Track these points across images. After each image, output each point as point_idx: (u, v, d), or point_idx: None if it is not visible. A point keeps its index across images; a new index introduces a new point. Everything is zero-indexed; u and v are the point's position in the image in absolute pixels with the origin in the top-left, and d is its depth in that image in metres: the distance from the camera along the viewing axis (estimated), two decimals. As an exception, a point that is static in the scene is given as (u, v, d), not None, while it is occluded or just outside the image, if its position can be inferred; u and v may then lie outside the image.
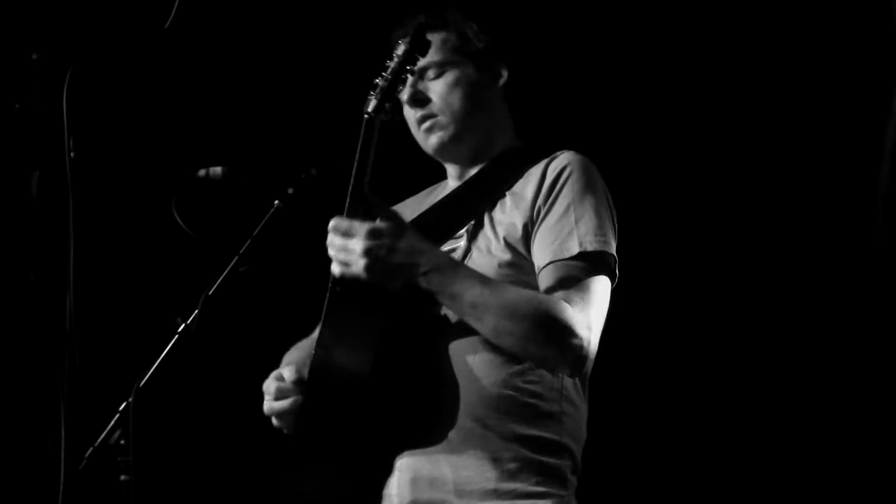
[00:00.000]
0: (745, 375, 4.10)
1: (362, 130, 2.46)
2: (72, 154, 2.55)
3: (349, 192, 2.49)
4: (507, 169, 2.79)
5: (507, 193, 2.74)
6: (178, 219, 2.87)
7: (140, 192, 4.25)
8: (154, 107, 4.37)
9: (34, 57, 2.56)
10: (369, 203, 2.50)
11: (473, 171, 2.86)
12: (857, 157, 3.93)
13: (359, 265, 2.45)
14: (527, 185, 2.72)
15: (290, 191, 2.87)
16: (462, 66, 2.81)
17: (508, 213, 2.71)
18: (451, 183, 2.91)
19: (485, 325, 2.55)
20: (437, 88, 2.79)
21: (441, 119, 2.80)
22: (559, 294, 2.58)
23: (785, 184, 4.09)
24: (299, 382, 2.66)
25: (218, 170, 2.92)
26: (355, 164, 2.46)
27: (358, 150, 2.45)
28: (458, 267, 2.58)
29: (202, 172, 2.92)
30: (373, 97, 2.51)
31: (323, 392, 2.59)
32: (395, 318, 2.59)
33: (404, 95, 2.77)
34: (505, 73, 2.87)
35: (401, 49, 2.57)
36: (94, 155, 2.75)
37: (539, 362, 2.61)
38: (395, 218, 2.53)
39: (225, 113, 4.36)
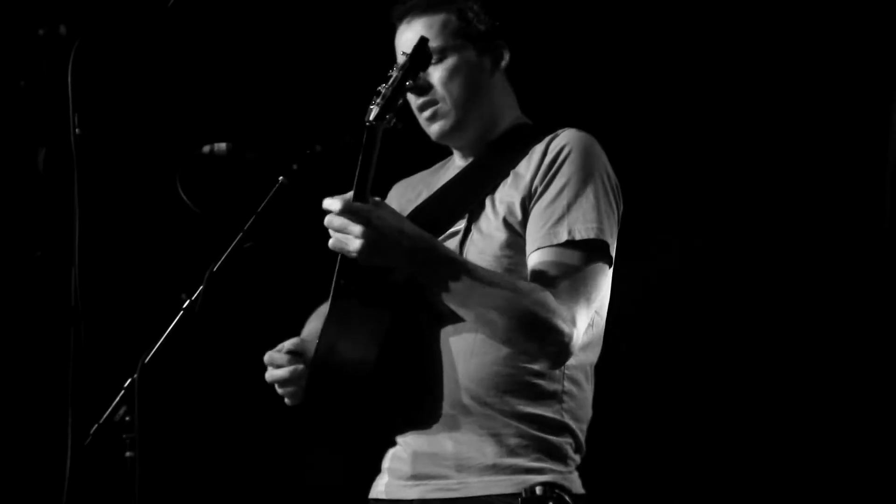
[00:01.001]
0: (754, 363, 4.10)
1: (364, 139, 2.46)
2: (77, 131, 2.55)
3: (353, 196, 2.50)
4: (510, 149, 2.78)
5: (510, 173, 2.73)
6: (183, 195, 2.87)
7: (145, 169, 4.25)
8: (159, 83, 4.36)
9: (39, 33, 2.56)
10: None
11: (478, 152, 2.85)
12: (858, 153, 3.93)
13: (355, 244, 2.46)
14: (529, 164, 2.71)
15: (295, 167, 2.87)
16: (462, 50, 2.79)
17: (508, 193, 2.71)
18: (458, 162, 2.91)
19: (470, 315, 2.57)
20: (437, 75, 2.77)
21: (442, 106, 2.79)
22: (545, 283, 2.57)
23: (787, 177, 4.09)
24: (296, 353, 2.69)
25: (223, 146, 2.91)
26: (357, 173, 2.47)
27: (360, 159, 2.46)
28: (449, 256, 2.58)
29: (207, 148, 2.91)
30: (374, 105, 2.50)
31: (327, 385, 2.61)
32: (399, 308, 2.61)
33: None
34: (507, 55, 2.85)
35: (403, 61, 2.56)
36: (99, 131, 2.75)
37: (521, 353, 2.62)
38: (392, 209, 2.55)
39: (229, 89, 4.35)
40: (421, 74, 2.73)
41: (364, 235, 2.45)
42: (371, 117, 2.48)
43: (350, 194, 2.45)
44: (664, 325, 4.17)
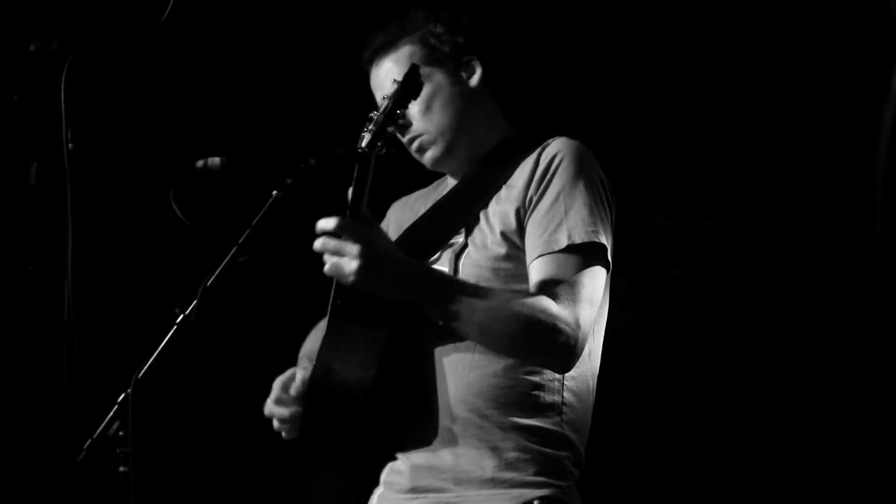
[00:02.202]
0: (755, 372, 4.10)
1: (357, 165, 2.48)
2: (70, 145, 2.55)
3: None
4: (501, 163, 2.78)
5: (503, 186, 2.74)
6: (177, 209, 2.87)
7: (138, 183, 4.25)
8: (152, 98, 4.36)
9: (32, 48, 2.56)
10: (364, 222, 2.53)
11: (471, 168, 2.86)
12: (855, 150, 3.93)
13: (351, 266, 2.47)
14: (521, 176, 2.71)
15: (289, 181, 2.87)
16: (433, 77, 2.80)
17: (503, 205, 2.71)
18: (451, 181, 2.92)
19: (471, 331, 2.58)
20: (415, 108, 2.78)
21: (426, 137, 2.81)
22: (547, 290, 2.58)
23: (784, 175, 4.09)
24: (301, 398, 2.67)
25: (216, 160, 2.91)
26: (350, 198, 2.48)
27: (353, 185, 2.48)
28: (442, 278, 2.60)
29: (200, 163, 2.91)
30: (367, 132, 2.52)
31: (323, 407, 2.62)
32: (397, 325, 2.61)
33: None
34: (478, 68, 2.84)
35: (394, 89, 2.56)
36: (92, 146, 2.74)
37: (529, 362, 2.62)
38: (384, 233, 2.58)
39: (223, 103, 4.35)
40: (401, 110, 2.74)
41: (361, 255, 2.46)
42: (363, 144, 2.50)
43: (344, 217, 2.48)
44: (664, 334, 4.17)
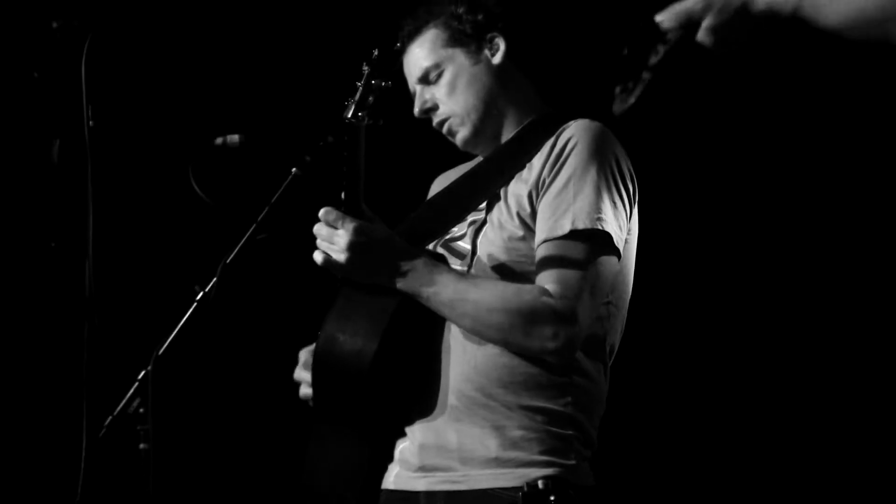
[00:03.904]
0: (765, 359, 4.10)
1: (346, 137, 2.50)
2: (91, 122, 2.56)
3: (342, 201, 2.57)
4: (527, 142, 2.78)
5: (525, 166, 2.73)
6: (196, 187, 2.87)
7: (158, 160, 4.26)
8: (172, 75, 4.36)
9: (54, 26, 2.56)
10: (364, 216, 2.58)
11: (498, 146, 2.86)
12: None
13: (340, 257, 2.53)
14: (540, 157, 2.71)
15: (308, 158, 2.87)
16: (455, 59, 2.81)
17: (520, 186, 2.71)
18: (480, 156, 2.92)
19: (464, 322, 2.59)
20: (440, 92, 2.81)
21: (454, 120, 2.83)
22: (548, 277, 2.57)
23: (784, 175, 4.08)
24: None
25: (235, 137, 2.91)
26: (345, 180, 2.51)
27: (346, 157, 2.50)
28: (434, 268, 2.60)
29: (219, 140, 2.91)
30: (350, 102, 2.56)
31: (326, 376, 2.63)
32: (406, 296, 2.62)
33: (416, 108, 2.84)
34: (502, 44, 2.83)
35: (370, 63, 2.59)
36: (112, 123, 2.75)
37: (521, 353, 2.61)
38: (381, 225, 2.61)
39: (242, 80, 4.35)
40: (427, 94, 2.79)
41: (350, 247, 2.52)
42: (348, 115, 2.52)
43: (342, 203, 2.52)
44: (679, 320, 4.17)
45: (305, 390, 2.74)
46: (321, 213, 2.58)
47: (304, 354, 2.77)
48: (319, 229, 2.58)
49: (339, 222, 2.56)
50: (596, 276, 2.60)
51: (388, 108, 2.60)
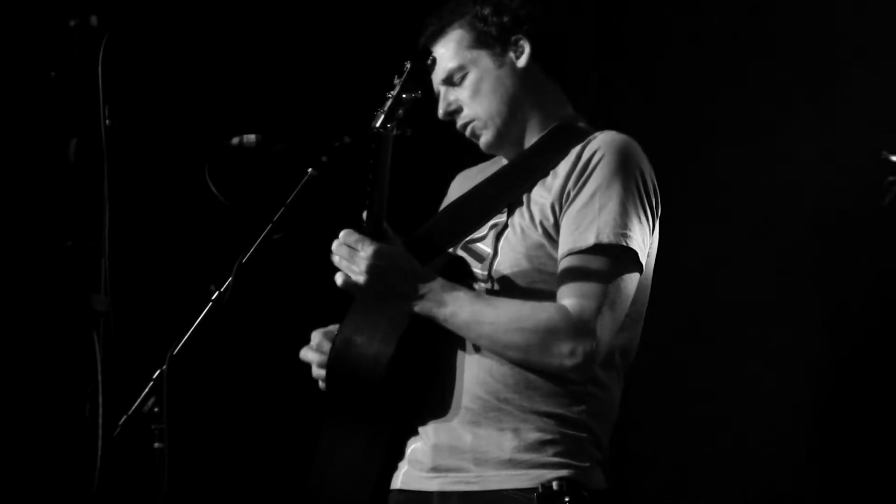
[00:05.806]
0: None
1: (372, 146, 2.50)
2: (107, 121, 2.56)
3: (364, 220, 2.58)
4: (552, 147, 2.77)
5: (550, 172, 2.72)
6: (212, 186, 2.87)
7: (175, 160, 4.26)
8: (189, 74, 4.37)
9: (71, 24, 2.57)
10: (385, 235, 2.59)
11: (523, 150, 2.85)
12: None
13: (360, 279, 2.54)
14: (566, 167, 2.69)
15: (324, 159, 2.87)
16: (480, 61, 2.80)
17: (543, 194, 2.70)
18: (504, 159, 2.91)
19: (483, 342, 2.60)
20: (464, 94, 2.80)
21: (477, 123, 2.81)
22: (569, 290, 2.57)
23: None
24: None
25: (251, 137, 2.91)
26: (369, 196, 2.52)
27: (371, 167, 2.51)
28: (451, 290, 2.60)
29: (236, 140, 2.92)
30: (380, 112, 2.55)
31: (341, 379, 2.64)
32: None
33: (440, 110, 2.83)
34: (527, 47, 2.81)
35: (402, 75, 2.59)
36: (129, 122, 2.75)
37: (540, 370, 2.61)
38: (400, 247, 2.62)
39: (259, 80, 4.36)
40: (451, 96, 2.79)
41: (368, 270, 2.53)
42: (377, 124, 2.52)
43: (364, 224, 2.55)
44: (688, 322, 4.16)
45: (318, 371, 2.74)
46: (342, 234, 2.58)
47: (317, 336, 2.77)
48: (339, 250, 2.58)
49: (360, 245, 2.56)
50: (617, 292, 2.60)
51: (415, 118, 2.60)
